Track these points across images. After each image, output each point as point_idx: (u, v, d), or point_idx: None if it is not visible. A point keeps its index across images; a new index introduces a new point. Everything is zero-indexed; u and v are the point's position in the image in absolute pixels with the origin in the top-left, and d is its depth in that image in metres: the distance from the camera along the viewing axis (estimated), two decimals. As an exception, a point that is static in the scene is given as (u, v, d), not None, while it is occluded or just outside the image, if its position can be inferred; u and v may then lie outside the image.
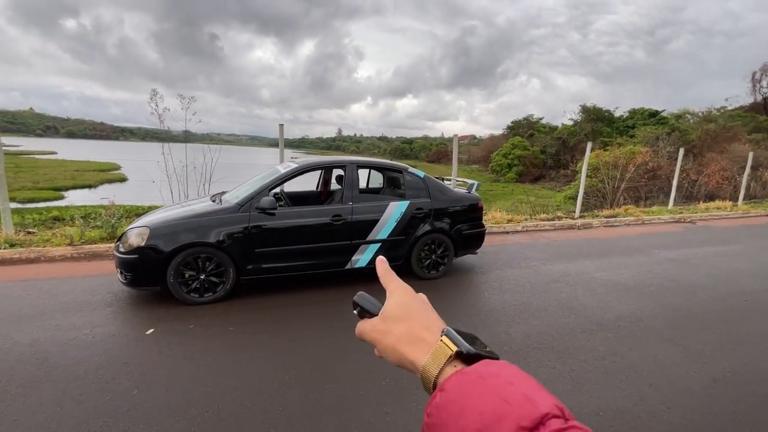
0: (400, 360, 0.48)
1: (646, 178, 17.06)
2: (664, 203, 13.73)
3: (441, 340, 0.45)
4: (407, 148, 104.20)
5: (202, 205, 4.25)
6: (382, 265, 0.57)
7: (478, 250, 5.44)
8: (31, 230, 6.15)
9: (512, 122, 65.94)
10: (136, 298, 3.96)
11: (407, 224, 4.64)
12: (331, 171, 5.75)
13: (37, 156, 49.94)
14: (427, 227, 4.74)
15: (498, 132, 79.38)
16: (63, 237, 5.58)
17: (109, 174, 34.81)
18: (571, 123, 52.90)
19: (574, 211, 10.04)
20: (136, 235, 3.76)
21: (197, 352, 3.01)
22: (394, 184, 5.23)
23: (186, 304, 3.81)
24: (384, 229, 4.51)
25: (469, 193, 5.26)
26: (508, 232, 8.05)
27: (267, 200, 3.97)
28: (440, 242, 4.86)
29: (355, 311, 0.55)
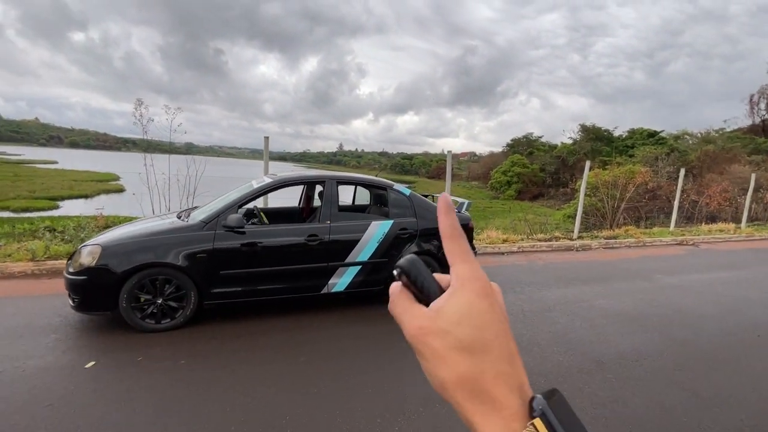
0: (450, 402, 0.33)
1: (646, 198, 16.78)
2: (665, 224, 13.40)
3: (532, 424, 0.29)
4: (408, 164, 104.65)
5: (165, 221, 3.92)
6: (449, 216, 0.36)
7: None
8: (-4, 243, 5.79)
9: (512, 140, 66.35)
10: (87, 323, 3.59)
11: (390, 245, 4.29)
12: (314, 187, 5.44)
13: (37, 165, 49.93)
14: (412, 249, 4.40)
15: (498, 149, 79.80)
16: (26, 252, 5.22)
17: (108, 184, 34.63)
18: (570, 142, 53.14)
19: (573, 231, 9.69)
20: (86, 254, 3.40)
21: (138, 391, 2.62)
22: (380, 201, 4.91)
23: (140, 332, 3.43)
24: (365, 250, 4.16)
25: (459, 212, 4.93)
26: (503, 253, 7.69)
27: (234, 218, 3.62)
28: (427, 265, 4.48)
29: (395, 272, 0.37)
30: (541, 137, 63.75)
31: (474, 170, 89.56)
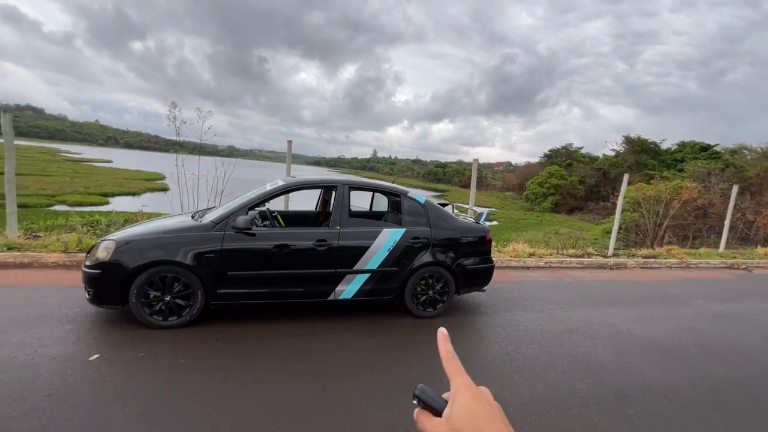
0: None
1: (693, 216, 15.56)
2: (715, 245, 12.31)
3: None
4: (440, 172, 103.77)
5: (179, 220, 4.00)
6: (446, 344, 0.54)
7: (485, 288, 4.84)
8: (38, 234, 6.20)
9: (550, 150, 64.14)
10: (101, 316, 3.70)
11: (401, 254, 4.15)
12: (331, 191, 5.40)
13: (95, 164, 53.89)
14: (424, 259, 4.23)
15: (534, 160, 77.40)
16: (60, 243, 5.54)
17: (154, 183, 36.76)
18: (612, 154, 50.61)
19: (608, 248, 9.09)
20: (102, 248, 3.52)
21: (131, 388, 2.64)
22: (394, 208, 4.79)
23: (148, 328, 3.50)
24: (374, 258, 4.05)
25: (478, 223, 4.72)
26: (528, 268, 7.32)
27: (243, 219, 3.63)
28: (439, 277, 4.32)
29: (414, 401, 0.52)
30: (581, 148, 61.24)
31: (509, 180, 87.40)
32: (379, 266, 4.08)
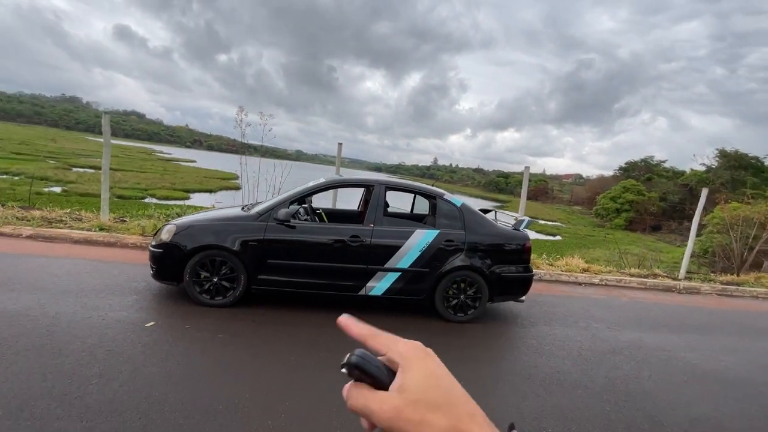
0: None
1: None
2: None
3: None
4: (503, 182, 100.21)
5: (231, 211, 4.41)
6: (357, 325, 0.43)
7: (524, 298, 4.66)
8: (124, 219, 7.17)
9: (626, 163, 58.96)
10: (161, 291, 4.20)
11: (433, 256, 4.17)
12: (370, 191, 5.57)
13: (181, 163, 60.24)
14: (457, 262, 4.20)
15: (609, 173, 71.63)
16: (139, 227, 6.35)
17: (229, 182, 40.21)
18: (702, 169, 45.15)
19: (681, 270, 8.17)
20: (166, 231, 4.01)
21: (174, 353, 2.98)
22: (432, 211, 4.82)
23: (196, 304, 3.91)
24: (405, 257, 4.12)
25: (517, 230, 4.57)
26: (580, 284, 6.86)
27: (284, 212, 3.92)
28: (472, 282, 4.25)
29: (343, 369, 0.39)
30: (663, 162, 55.51)
31: (578, 194, 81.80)
32: (410, 266, 4.14)
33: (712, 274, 8.78)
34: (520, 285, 4.47)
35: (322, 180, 4.44)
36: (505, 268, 4.34)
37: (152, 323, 3.44)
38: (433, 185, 5.00)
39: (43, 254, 5.00)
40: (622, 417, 2.82)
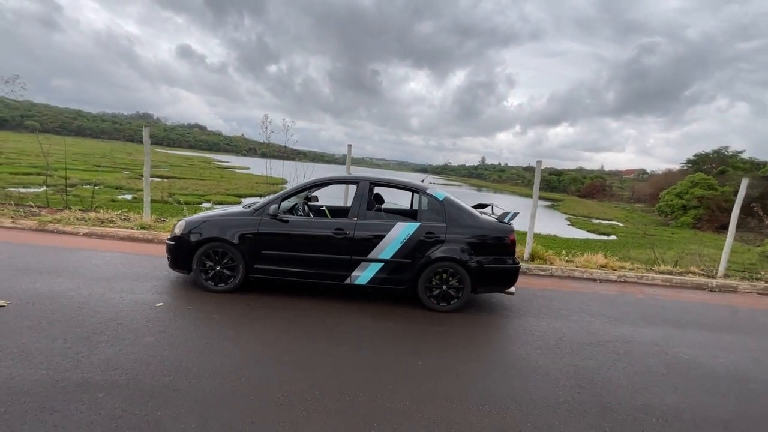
0: None
1: None
2: None
3: None
4: (554, 180, 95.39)
5: (236, 208, 4.93)
6: None
7: (513, 290, 4.71)
8: (164, 219, 8.10)
9: (696, 155, 53.65)
10: (176, 278, 4.82)
11: (415, 247, 4.37)
12: (372, 188, 5.85)
13: (236, 170, 64.56)
14: (438, 254, 4.37)
15: (677, 167, 65.58)
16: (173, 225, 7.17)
17: (278, 187, 42.55)
18: (789, 158, 39.82)
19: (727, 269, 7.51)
20: (178, 225, 4.62)
21: (172, 327, 3.50)
22: (417, 204, 5.01)
23: (202, 290, 4.45)
24: (387, 249, 4.37)
25: (502, 222, 4.62)
26: (595, 280, 6.63)
27: (273, 207, 4.36)
28: (454, 273, 4.40)
29: None
30: (741, 152, 49.72)
31: (640, 190, 75.71)
32: (392, 257, 4.38)
33: (761, 272, 7.95)
34: (504, 277, 4.52)
35: (312, 179, 4.83)
36: (487, 259, 4.43)
37: (161, 304, 4.01)
38: (423, 181, 5.18)
39: (92, 248, 5.90)
40: (572, 402, 2.86)
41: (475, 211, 4.76)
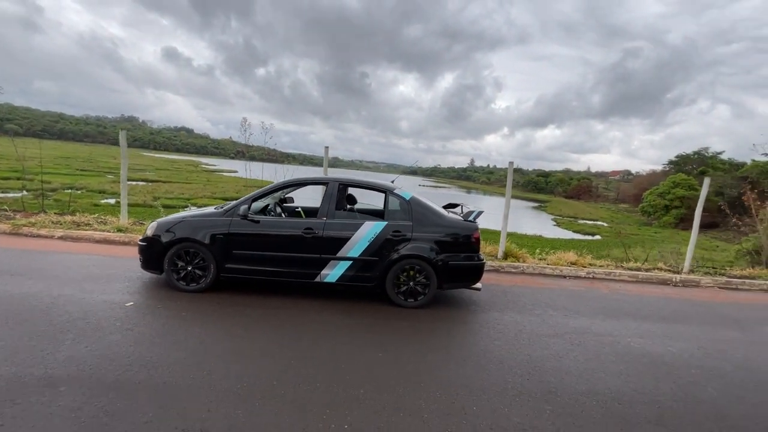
0: None
1: None
2: None
3: None
4: (542, 182, 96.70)
5: (208, 210, 5.01)
6: None
7: (479, 286, 4.88)
8: (142, 222, 8.11)
9: (677, 156, 55.05)
10: (149, 279, 4.88)
11: (382, 245, 4.52)
12: (345, 189, 5.97)
13: (224, 173, 64.01)
14: (404, 252, 4.52)
15: (660, 168, 67.05)
16: (151, 229, 7.19)
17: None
18: (766, 159, 41.11)
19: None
20: (150, 227, 4.69)
21: (140, 325, 3.58)
22: (384, 204, 5.14)
23: (174, 290, 4.53)
24: (355, 247, 4.50)
25: (467, 220, 4.79)
26: (564, 276, 6.85)
27: (243, 208, 4.47)
28: (421, 270, 4.55)
29: None
30: (720, 153, 51.14)
31: (625, 191, 77.23)
32: (360, 255, 4.51)
33: (726, 269, 8.29)
34: (469, 273, 4.69)
35: (282, 180, 4.94)
36: (452, 256, 4.59)
37: (131, 303, 4.08)
38: (393, 182, 5.32)
39: (66, 251, 5.92)
40: (519, 388, 3.02)
41: (442, 210, 4.93)
